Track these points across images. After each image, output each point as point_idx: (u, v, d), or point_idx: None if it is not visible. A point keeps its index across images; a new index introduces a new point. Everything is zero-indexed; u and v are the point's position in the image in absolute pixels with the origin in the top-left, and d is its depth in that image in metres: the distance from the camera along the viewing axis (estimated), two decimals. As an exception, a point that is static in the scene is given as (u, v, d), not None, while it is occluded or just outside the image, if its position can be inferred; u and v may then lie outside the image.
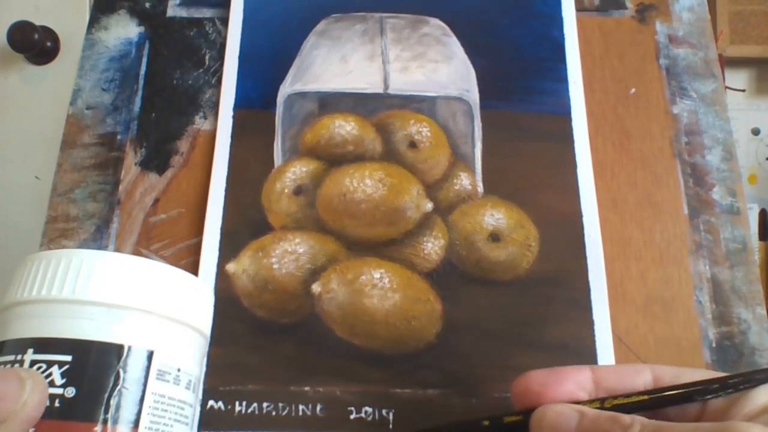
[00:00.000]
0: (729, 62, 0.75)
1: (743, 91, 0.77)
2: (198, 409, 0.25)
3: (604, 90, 0.44)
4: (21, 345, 0.21)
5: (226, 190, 0.41)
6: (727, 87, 0.74)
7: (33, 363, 0.20)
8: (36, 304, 0.21)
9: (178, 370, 0.23)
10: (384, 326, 0.37)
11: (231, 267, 0.39)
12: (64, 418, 0.20)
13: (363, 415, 0.36)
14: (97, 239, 0.41)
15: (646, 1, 0.47)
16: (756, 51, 0.76)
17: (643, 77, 0.44)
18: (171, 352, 0.23)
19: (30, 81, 0.65)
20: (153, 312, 0.22)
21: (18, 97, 0.64)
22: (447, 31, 0.45)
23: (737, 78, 0.77)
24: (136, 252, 0.40)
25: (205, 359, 0.28)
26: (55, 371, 0.20)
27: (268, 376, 0.36)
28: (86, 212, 0.41)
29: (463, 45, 0.45)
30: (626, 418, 0.24)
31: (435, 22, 0.45)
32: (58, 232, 0.41)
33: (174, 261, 0.40)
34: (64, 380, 0.20)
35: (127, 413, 0.21)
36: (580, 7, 0.46)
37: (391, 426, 0.35)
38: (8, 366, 0.21)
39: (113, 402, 0.20)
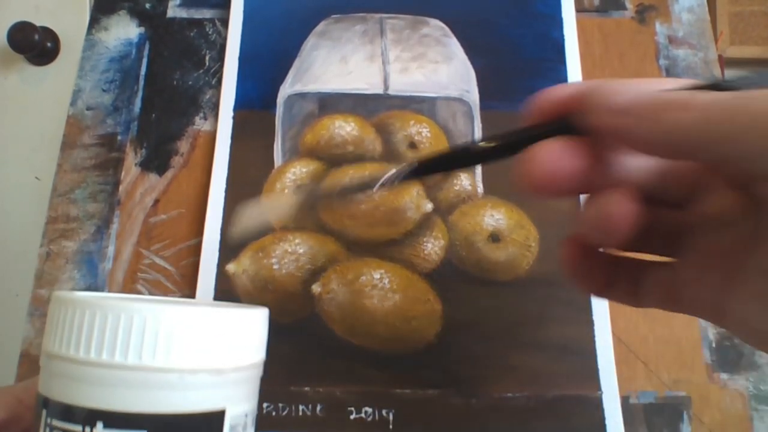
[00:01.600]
0: (729, 63, 0.75)
1: (743, 91, 0.77)
2: None
3: (604, 90, 0.44)
4: (88, 415, 0.20)
5: (227, 191, 0.41)
6: (726, 87, 0.74)
7: None
8: (99, 369, 0.20)
9: (246, 415, 0.22)
10: (384, 326, 0.37)
11: (231, 267, 0.39)
12: None
13: (363, 415, 0.36)
14: (97, 239, 0.41)
15: (645, 2, 0.47)
16: (756, 52, 0.76)
17: (643, 78, 0.44)
18: (241, 404, 0.21)
19: (30, 81, 0.65)
20: (224, 369, 0.21)
21: (18, 97, 0.64)
22: (447, 32, 0.45)
23: (737, 78, 0.77)
24: (136, 252, 0.40)
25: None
26: None
27: (268, 376, 0.36)
28: (86, 212, 0.41)
29: (463, 45, 0.45)
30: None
31: (435, 22, 0.45)
32: (58, 233, 0.41)
33: (174, 261, 0.40)
34: None
35: None
36: (580, 8, 0.46)
37: (391, 426, 0.35)
38: None
39: None
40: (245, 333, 0.22)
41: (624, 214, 0.21)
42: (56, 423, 0.20)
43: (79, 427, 0.19)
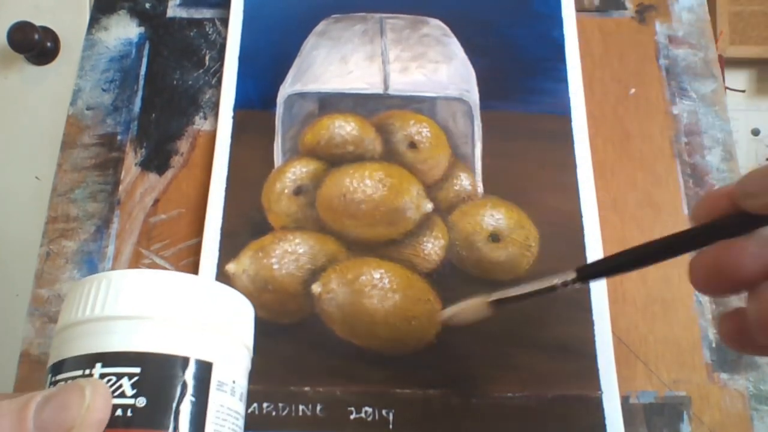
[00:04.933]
0: (729, 63, 0.75)
1: (743, 91, 0.77)
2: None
3: (604, 90, 0.44)
4: (87, 360, 0.21)
5: (227, 191, 0.41)
6: (727, 87, 0.74)
7: (102, 376, 0.21)
8: (97, 322, 0.22)
9: (233, 381, 0.23)
10: (384, 326, 0.37)
11: (231, 267, 0.39)
12: (137, 426, 0.20)
13: (363, 415, 0.36)
14: (97, 239, 0.41)
15: (645, 2, 0.47)
16: (756, 51, 0.76)
17: (643, 77, 0.45)
18: (227, 365, 0.23)
19: (30, 81, 0.65)
20: (210, 327, 0.23)
21: (18, 97, 0.64)
22: (447, 32, 0.45)
23: (737, 78, 0.77)
24: (136, 252, 0.40)
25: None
26: (125, 383, 0.21)
27: (268, 376, 0.36)
28: (86, 212, 0.41)
29: (463, 45, 0.45)
30: None
31: (435, 22, 0.45)
32: (58, 233, 0.41)
33: (174, 261, 0.40)
34: (134, 391, 0.21)
35: (194, 421, 0.21)
36: (580, 8, 0.46)
37: (391, 426, 0.35)
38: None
39: (182, 410, 0.21)
40: (226, 305, 0.24)
41: None
42: (58, 377, 0.22)
43: (79, 371, 0.21)
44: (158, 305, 0.22)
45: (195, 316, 0.23)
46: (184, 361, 0.22)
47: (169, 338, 0.22)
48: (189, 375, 0.22)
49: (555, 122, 0.42)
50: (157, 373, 0.21)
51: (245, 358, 0.26)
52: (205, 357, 0.22)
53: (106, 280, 0.23)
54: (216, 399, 0.22)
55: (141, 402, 0.20)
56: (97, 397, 0.20)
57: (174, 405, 0.21)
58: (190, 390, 0.21)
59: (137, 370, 0.21)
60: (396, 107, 0.43)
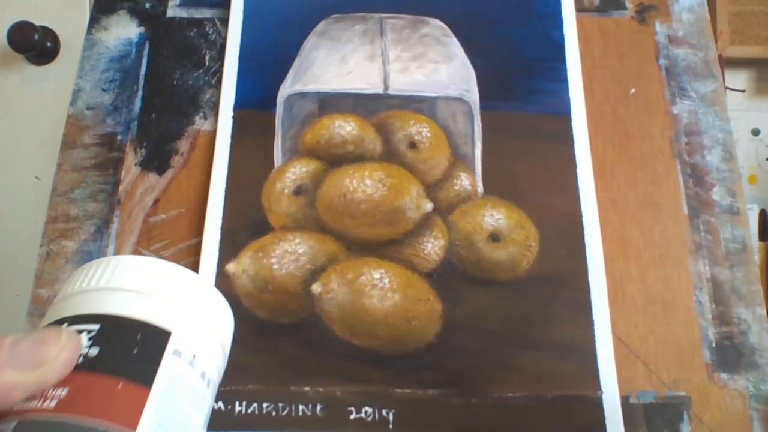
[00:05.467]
0: (729, 63, 0.75)
1: (743, 91, 0.77)
2: (210, 411, 0.26)
3: (604, 90, 0.44)
4: (59, 323, 0.24)
5: (226, 191, 0.41)
6: (727, 87, 0.74)
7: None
8: (76, 295, 0.25)
9: (194, 356, 0.24)
10: (384, 326, 0.37)
11: (231, 267, 0.39)
12: (89, 370, 0.22)
13: (363, 415, 0.36)
14: (97, 239, 0.41)
15: (645, 2, 0.47)
16: (756, 51, 0.76)
17: (643, 77, 0.45)
18: (187, 340, 0.24)
19: (30, 81, 0.65)
20: (171, 300, 0.25)
21: (18, 97, 0.64)
22: (447, 32, 0.45)
23: (737, 78, 0.77)
24: (136, 252, 0.40)
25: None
26: (84, 336, 0.23)
27: (268, 376, 0.36)
28: (86, 212, 0.41)
29: (463, 45, 0.45)
30: None
31: (435, 22, 0.45)
32: (58, 232, 0.41)
33: (174, 261, 0.40)
34: (90, 342, 0.23)
35: (144, 373, 0.23)
36: (580, 8, 0.46)
37: (391, 426, 0.35)
38: None
39: (132, 361, 0.23)
40: (184, 281, 0.26)
41: None
42: None
43: None
44: (123, 279, 0.24)
45: (157, 291, 0.24)
46: (141, 324, 0.23)
47: (128, 305, 0.24)
48: (143, 335, 0.23)
49: (555, 122, 0.42)
50: (113, 330, 0.23)
51: (213, 344, 0.26)
52: (162, 325, 0.24)
53: (86, 266, 0.25)
54: (170, 361, 0.23)
55: (94, 351, 0.22)
56: (71, 340, 0.22)
57: (124, 356, 0.23)
58: (142, 347, 0.23)
59: (96, 326, 0.23)
60: (396, 107, 0.43)
